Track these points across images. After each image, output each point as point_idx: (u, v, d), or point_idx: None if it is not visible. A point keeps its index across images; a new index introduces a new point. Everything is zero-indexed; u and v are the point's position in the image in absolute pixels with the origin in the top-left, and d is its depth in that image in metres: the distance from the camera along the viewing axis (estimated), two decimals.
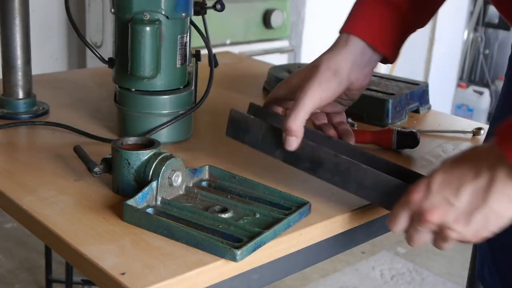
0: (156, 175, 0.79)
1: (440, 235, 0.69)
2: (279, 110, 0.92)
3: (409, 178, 0.77)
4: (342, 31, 0.87)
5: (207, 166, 0.87)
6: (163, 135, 1.00)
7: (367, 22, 0.86)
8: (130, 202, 0.76)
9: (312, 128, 0.91)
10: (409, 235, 0.72)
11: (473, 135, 1.13)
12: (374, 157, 0.85)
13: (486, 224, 0.66)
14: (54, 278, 2.03)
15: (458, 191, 0.66)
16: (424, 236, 0.70)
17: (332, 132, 0.91)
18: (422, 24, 0.90)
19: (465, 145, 1.08)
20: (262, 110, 0.91)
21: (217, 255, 0.70)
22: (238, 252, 0.69)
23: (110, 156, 0.83)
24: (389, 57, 0.88)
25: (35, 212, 0.78)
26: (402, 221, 0.71)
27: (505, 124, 0.64)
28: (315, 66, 0.84)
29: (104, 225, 0.76)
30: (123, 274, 0.66)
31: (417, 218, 0.69)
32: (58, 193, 0.83)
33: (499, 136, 0.64)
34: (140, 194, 0.78)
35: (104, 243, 0.72)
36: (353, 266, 2.45)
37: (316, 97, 0.82)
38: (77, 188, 0.85)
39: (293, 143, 0.80)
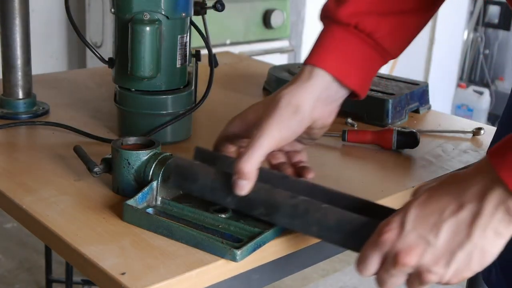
0: (156, 175, 0.79)
1: (417, 278, 0.60)
2: (232, 149, 0.82)
3: (378, 214, 0.67)
4: (306, 62, 0.78)
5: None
6: (163, 135, 1.00)
7: (333, 54, 0.77)
8: (130, 202, 0.76)
9: (266, 168, 0.80)
10: (381, 279, 0.63)
11: (473, 135, 1.13)
12: (338, 193, 0.75)
13: (469, 263, 0.59)
14: (54, 278, 2.03)
15: (437, 227, 0.58)
16: (398, 280, 0.62)
17: (289, 171, 0.81)
18: (394, 56, 0.82)
19: (465, 145, 1.08)
20: (210, 154, 0.83)
21: (217, 255, 0.70)
22: (238, 252, 0.69)
23: (110, 156, 0.83)
24: (358, 92, 0.79)
25: (35, 212, 0.78)
26: (372, 264, 0.63)
27: (502, 143, 0.58)
28: (275, 100, 0.75)
29: (104, 225, 0.76)
30: (123, 274, 0.66)
31: (390, 261, 0.61)
32: (58, 193, 0.83)
33: (494, 156, 0.57)
34: (140, 194, 0.78)
35: (104, 243, 0.72)
36: (353, 266, 2.45)
37: (274, 137, 0.73)
38: (77, 188, 0.85)
39: (245, 187, 0.72)
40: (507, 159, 0.56)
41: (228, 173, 0.74)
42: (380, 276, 0.63)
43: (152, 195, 0.79)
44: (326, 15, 0.80)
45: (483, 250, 0.58)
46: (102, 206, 0.80)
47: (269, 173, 0.79)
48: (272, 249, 0.74)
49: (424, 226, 0.59)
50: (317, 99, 0.76)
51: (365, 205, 0.73)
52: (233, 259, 0.69)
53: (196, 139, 1.05)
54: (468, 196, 0.58)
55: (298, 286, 2.30)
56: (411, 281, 0.61)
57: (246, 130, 0.78)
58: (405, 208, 0.61)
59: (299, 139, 0.80)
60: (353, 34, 0.77)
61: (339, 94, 0.78)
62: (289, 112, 0.74)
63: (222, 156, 0.81)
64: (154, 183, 0.79)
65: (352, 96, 0.80)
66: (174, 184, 0.78)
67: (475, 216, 0.57)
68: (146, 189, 0.78)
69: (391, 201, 0.87)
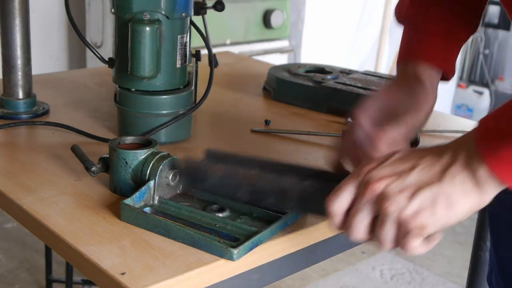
0: (153, 174, 0.79)
1: (379, 212, 0.61)
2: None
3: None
4: (418, 60, 0.84)
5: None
6: (163, 135, 1.00)
7: (437, 50, 0.85)
8: (128, 201, 0.76)
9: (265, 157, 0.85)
10: (350, 215, 0.63)
11: None
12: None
13: (432, 206, 0.59)
14: (54, 278, 2.03)
15: (412, 166, 0.61)
16: (365, 217, 0.62)
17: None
18: (474, 31, 0.89)
19: None
20: (220, 154, 0.85)
21: (214, 254, 0.70)
22: (235, 251, 0.69)
23: (108, 156, 0.83)
24: (451, 75, 0.86)
25: (35, 212, 0.78)
26: (344, 195, 0.63)
27: (486, 118, 0.60)
28: (418, 103, 0.81)
29: (104, 225, 0.76)
30: (123, 274, 0.66)
31: (361, 190, 0.62)
32: (58, 193, 0.83)
33: (480, 130, 0.60)
34: (137, 194, 0.78)
35: (104, 243, 0.72)
36: (353, 266, 2.45)
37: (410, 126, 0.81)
38: (77, 188, 0.85)
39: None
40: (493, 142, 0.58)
41: (238, 170, 0.77)
42: (349, 216, 0.63)
43: (150, 195, 0.79)
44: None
45: (449, 199, 0.59)
46: (102, 206, 0.80)
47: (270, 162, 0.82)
48: (272, 249, 0.74)
49: (401, 164, 0.62)
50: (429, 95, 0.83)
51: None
52: (230, 258, 0.69)
53: (196, 139, 1.05)
54: (446, 152, 0.61)
55: (298, 286, 2.30)
56: (375, 219, 0.62)
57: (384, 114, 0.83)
58: (388, 154, 0.64)
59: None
60: (440, 27, 0.85)
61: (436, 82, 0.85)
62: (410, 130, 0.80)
63: (231, 154, 0.84)
64: (152, 183, 0.79)
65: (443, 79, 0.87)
66: (188, 184, 0.81)
67: (449, 165, 0.60)
68: (143, 188, 0.78)
69: None
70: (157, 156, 0.80)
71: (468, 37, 0.88)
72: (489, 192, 0.59)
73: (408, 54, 0.85)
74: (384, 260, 2.51)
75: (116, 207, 0.79)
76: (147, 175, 0.80)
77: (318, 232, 0.79)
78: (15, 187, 0.84)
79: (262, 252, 0.73)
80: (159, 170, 0.79)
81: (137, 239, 0.73)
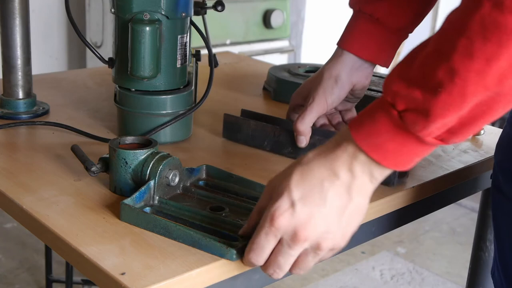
0: (153, 174, 0.79)
1: (312, 251, 0.66)
2: (296, 117, 1.00)
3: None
4: (338, 45, 0.97)
5: (204, 165, 0.88)
6: (163, 135, 1.00)
7: (359, 42, 0.95)
8: (127, 201, 0.76)
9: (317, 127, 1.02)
10: (276, 263, 0.67)
11: (473, 135, 1.12)
12: None
13: (352, 221, 0.66)
14: (54, 278, 2.03)
15: (322, 198, 0.64)
16: (293, 259, 0.66)
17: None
18: (409, 30, 0.96)
19: (465, 145, 1.08)
20: (252, 113, 1.05)
21: (214, 254, 0.70)
22: (235, 251, 0.69)
23: (108, 156, 0.83)
24: (379, 64, 0.96)
25: (35, 212, 0.78)
26: (268, 250, 0.66)
27: (359, 114, 0.65)
28: (319, 75, 0.97)
29: (104, 225, 0.76)
30: (123, 274, 0.66)
31: (287, 242, 0.65)
32: (58, 193, 0.83)
33: (353, 127, 0.64)
34: (137, 194, 0.78)
35: (104, 243, 0.72)
36: (353, 266, 2.45)
37: (322, 103, 0.95)
38: (77, 188, 0.85)
39: (302, 141, 0.95)
40: (364, 129, 0.63)
41: (263, 124, 1.00)
42: (276, 260, 0.67)
43: (150, 195, 0.79)
44: (349, 4, 0.98)
45: (360, 208, 0.66)
46: (102, 206, 0.80)
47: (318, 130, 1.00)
48: None
49: (311, 201, 0.64)
50: (351, 68, 0.95)
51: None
52: (230, 258, 0.69)
53: (196, 139, 1.05)
54: (339, 166, 0.64)
55: (298, 286, 2.30)
56: (305, 255, 0.66)
57: (303, 101, 0.99)
58: (286, 188, 0.65)
59: (347, 99, 1.01)
60: (363, 17, 0.95)
61: (368, 63, 0.97)
62: (331, 82, 0.95)
63: (261, 114, 1.05)
64: (152, 182, 0.79)
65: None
66: (225, 136, 1.04)
67: (351, 182, 0.64)
68: (143, 188, 0.78)
69: (391, 201, 0.87)
70: (157, 156, 0.80)
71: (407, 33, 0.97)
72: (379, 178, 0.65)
73: (340, 40, 0.97)
74: (384, 260, 2.51)
75: (116, 207, 0.79)
76: (147, 175, 0.80)
77: None
78: (15, 187, 0.84)
79: None
80: (159, 170, 0.79)
81: (137, 239, 0.73)
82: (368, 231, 0.88)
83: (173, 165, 0.81)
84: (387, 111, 0.62)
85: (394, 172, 0.86)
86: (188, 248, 0.71)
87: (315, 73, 1.00)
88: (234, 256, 0.69)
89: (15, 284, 2.19)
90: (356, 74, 0.96)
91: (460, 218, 2.88)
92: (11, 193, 0.82)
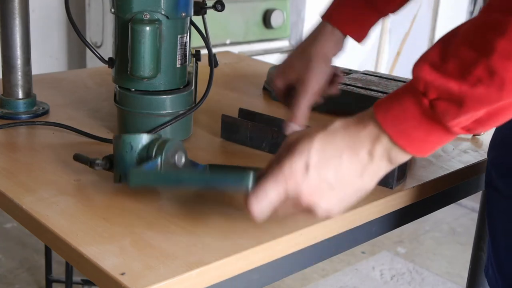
0: (160, 152, 0.80)
1: (306, 210, 0.69)
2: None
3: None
4: (325, 20, 0.99)
5: (207, 165, 0.87)
6: (163, 135, 1.00)
7: (346, 17, 0.98)
8: (136, 168, 0.77)
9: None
10: (280, 211, 0.69)
11: (473, 135, 1.13)
12: None
13: (353, 199, 0.69)
14: (54, 278, 2.03)
15: (337, 170, 0.66)
16: (286, 210, 0.69)
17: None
18: (391, 10, 1.00)
19: (465, 145, 1.08)
20: (249, 112, 1.05)
21: (230, 185, 0.71)
22: (251, 175, 0.69)
23: (112, 154, 0.83)
24: (355, 39, 1.00)
25: (35, 212, 0.78)
26: (273, 199, 0.68)
27: (387, 96, 0.65)
28: (306, 54, 0.97)
29: (104, 225, 0.76)
30: (123, 274, 0.66)
31: (293, 198, 0.67)
32: (58, 193, 0.83)
33: (379, 109, 0.65)
34: (145, 165, 0.78)
35: (104, 243, 0.72)
36: (353, 266, 2.45)
37: (314, 88, 0.95)
38: (77, 188, 0.85)
39: (294, 128, 0.94)
40: (390, 113, 0.64)
41: (262, 125, 1.00)
42: (280, 209, 0.69)
43: (156, 170, 0.79)
44: None
45: (365, 188, 0.68)
46: (102, 206, 0.80)
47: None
48: (272, 249, 0.74)
49: (325, 171, 0.66)
50: (335, 44, 0.98)
51: None
52: (246, 184, 0.69)
53: (196, 139, 1.05)
54: (361, 145, 0.66)
55: (298, 286, 2.30)
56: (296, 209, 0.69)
57: (291, 85, 0.98)
58: (306, 150, 0.67)
59: None
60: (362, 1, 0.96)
61: (343, 37, 0.99)
62: (322, 65, 0.96)
63: (259, 114, 1.05)
64: (159, 159, 0.79)
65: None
66: (223, 136, 1.04)
67: (367, 164, 0.66)
68: (151, 162, 0.79)
69: (391, 201, 0.87)
70: (162, 139, 0.81)
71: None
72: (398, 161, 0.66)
73: (326, 13, 1.00)
74: (384, 260, 2.51)
75: (116, 207, 0.79)
76: (154, 154, 0.80)
77: (318, 232, 0.79)
78: (15, 187, 0.84)
79: (262, 252, 0.73)
80: (165, 149, 0.80)
81: (137, 239, 0.73)
82: (368, 231, 0.88)
83: (178, 146, 0.82)
84: (417, 99, 0.62)
85: (393, 175, 0.86)
86: (188, 248, 0.71)
87: (298, 49, 0.99)
88: (250, 183, 0.69)
89: (15, 284, 2.19)
90: (336, 47, 0.98)
91: (460, 218, 2.88)
92: (11, 193, 0.82)
